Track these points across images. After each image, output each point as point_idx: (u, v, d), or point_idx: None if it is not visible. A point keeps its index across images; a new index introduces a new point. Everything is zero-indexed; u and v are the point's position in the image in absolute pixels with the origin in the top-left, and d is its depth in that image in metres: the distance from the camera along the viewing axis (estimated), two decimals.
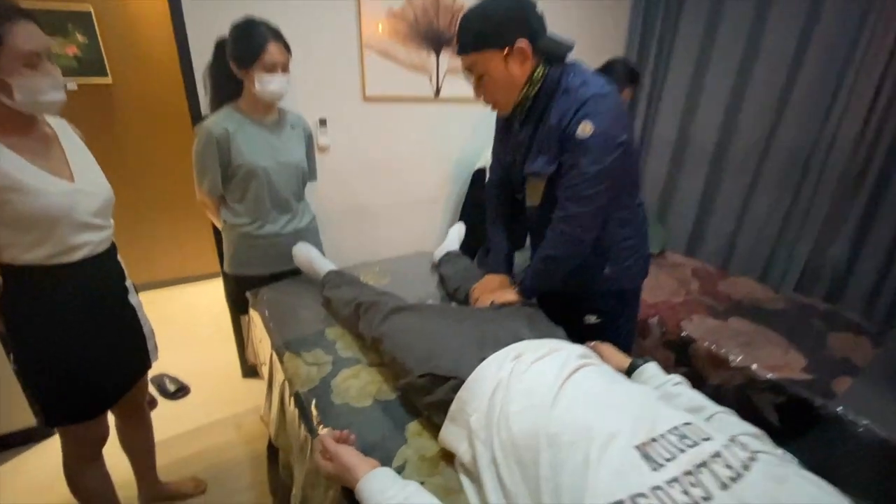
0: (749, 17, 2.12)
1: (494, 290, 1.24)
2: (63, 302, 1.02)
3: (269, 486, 1.42)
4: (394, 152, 2.24)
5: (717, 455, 0.62)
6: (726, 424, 0.83)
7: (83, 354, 1.07)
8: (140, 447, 1.46)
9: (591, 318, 1.22)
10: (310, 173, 1.69)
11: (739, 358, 1.41)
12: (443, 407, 0.88)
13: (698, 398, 0.91)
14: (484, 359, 0.88)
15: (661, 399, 0.77)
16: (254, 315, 1.51)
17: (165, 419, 1.86)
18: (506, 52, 1.02)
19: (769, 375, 1.34)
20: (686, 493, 0.57)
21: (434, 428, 0.92)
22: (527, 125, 1.13)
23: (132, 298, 1.22)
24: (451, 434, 0.84)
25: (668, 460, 0.62)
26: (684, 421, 0.68)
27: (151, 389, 2.04)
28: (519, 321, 1.03)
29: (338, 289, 1.39)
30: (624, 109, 1.09)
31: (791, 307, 1.75)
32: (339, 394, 1.04)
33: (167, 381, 2.06)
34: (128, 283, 1.22)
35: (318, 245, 1.73)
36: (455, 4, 2.09)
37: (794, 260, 2.12)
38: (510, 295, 1.19)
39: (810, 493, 0.59)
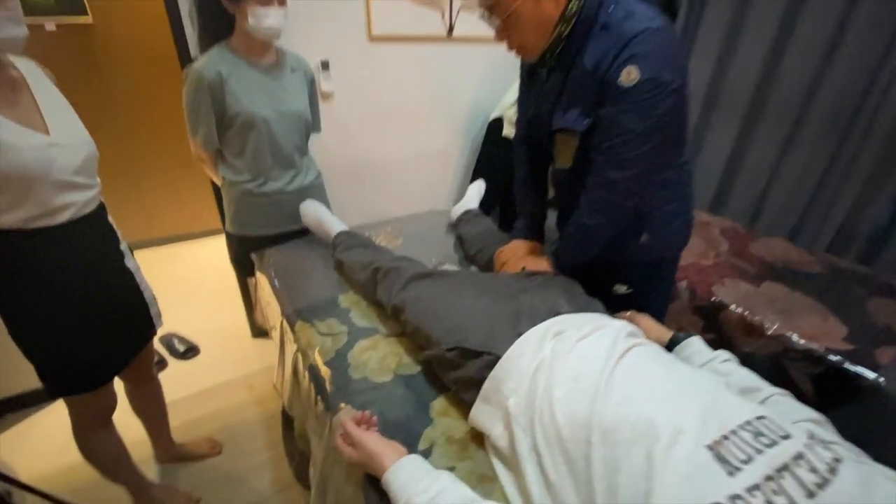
0: None
1: (525, 257, 1.13)
2: (50, 269, 0.93)
3: (284, 449, 1.40)
4: (403, 99, 2.06)
5: (799, 456, 0.54)
6: (786, 409, 0.76)
7: (78, 324, 0.99)
8: (151, 412, 1.44)
9: (622, 289, 1.12)
10: (313, 124, 1.55)
11: (776, 326, 1.34)
12: (473, 384, 0.81)
13: (751, 378, 0.83)
14: (521, 334, 0.79)
15: (727, 386, 0.69)
16: (261, 278, 1.43)
17: (175, 380, 1.84)
18: None
19: (808, 345, 1.27)
20: (769, 502, 0.50)
21: (462, 405, 0.86)
22: (557, 71, 0.95)
23: (129, 263, 1.13)
24: (483, 414, 0.78)
25: (744, 462, 0.54)
26: (757, 414, 0.60)
27: (161, 349, 2.01)
28: (555, 291, 0.94)
29: (350, 251, 1.29)
30: (677, 47, 0.92)
31: (827, 270, 1.65)
32: (357, 367, 0.97)
33: (176, 341, 2.02)
34: (122, 246, 1.12)
35: (324, 203, 1.62)
36: None
37: (828, 220, 1.99)
38: (542, 263, 1.09)
39: None
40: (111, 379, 1.11)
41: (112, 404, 1.17)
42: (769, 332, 1.34)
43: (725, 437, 0.57)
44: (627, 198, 0.96)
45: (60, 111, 0.94)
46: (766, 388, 0.80)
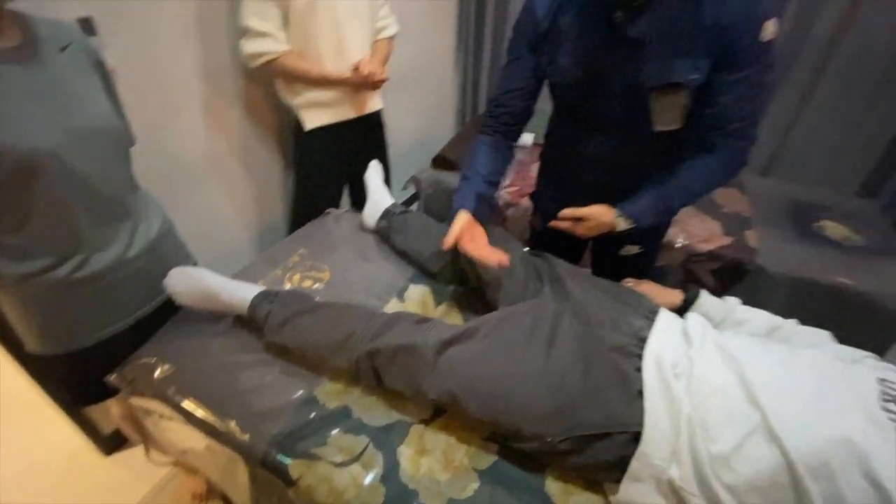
0: None
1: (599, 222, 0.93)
2: None
3: None
4: (213, 58, 1.39)
5: None
6: (815, 339, 0.87)
7: None
8: None
9: (633, 249, 1.08)
10: (128, 134, 0.94)
11: (681, 238, 1.56)
12: (611, 466, 0.68)
13: (769, 318, 0.93)
14: (640, 392, 0.69)
15: (836, 358, 0.73)
16: (141, 405, 0.90)
17: None
18: None
19: (705, 247, 1.53)
20: None
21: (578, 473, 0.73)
22: (646, 16, 0.77)
23: None
24: (637, 493, 0.68)
25: None
26: (872, 380, 0.65)
27: None
28: (610, 305, 0.84)
29: (294, 326, 0.89)
30: None
31: None
32: (430, 490, 0.71)
33: None
34: None
35: (183, 255, 1.07)
36: None
37: None
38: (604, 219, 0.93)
39: None
40: None
41: None
42: (678, 245, 1.56)
43: (891, 420, 0.60)
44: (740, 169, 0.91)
45: None
46: (784, 324, 0.90)
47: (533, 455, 0.74)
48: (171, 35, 1.22)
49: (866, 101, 1.87)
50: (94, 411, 1.24)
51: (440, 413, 0.82)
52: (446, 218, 0.95)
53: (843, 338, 0.87)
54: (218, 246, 1.54)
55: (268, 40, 1.20)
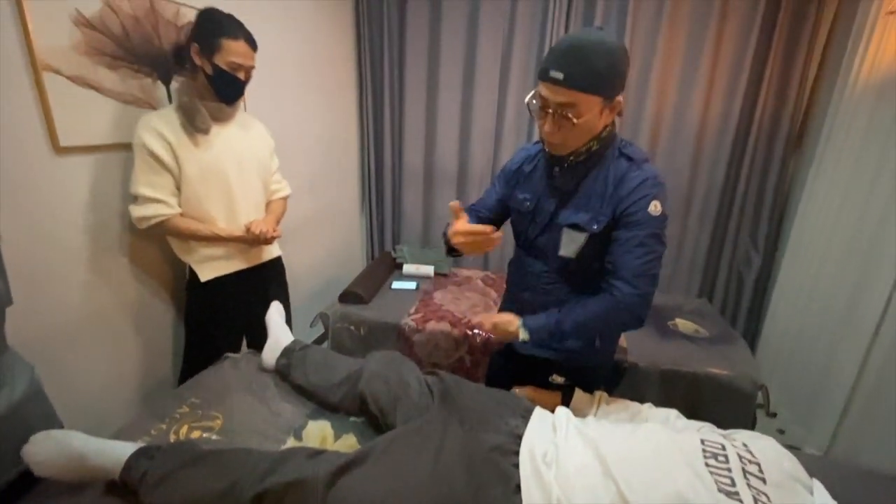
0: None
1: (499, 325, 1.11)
2: None
3: None
4: (110, 229, 1.43)
5: (740, 458, 0.76)
6: (662, 414, 1.03)
7: None
8: None
9: (559, 379, 1.19)
10: (4, 293, 0.93)
11: None
12: None
13: (629, 405, 1.09)
14: (518, 486, 0.76)
15: (670, 429, 0.86)
16: None
17: None
18: (605, 103, 0.96)
19: None
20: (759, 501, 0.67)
21: None
22: (570, 174, 1.07)
23: None
24: None
25: (732, 487, 0.70)
26: (696, 441, 0.79)
27: None
28: (492, 408, 0.93)
29: (173, 480, 0.84)
30: None
31: None
32: None
33: None
34: None
35: (49, 420, 0.98)
36: (179, 18, 1.56)
37: None
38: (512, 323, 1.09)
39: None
40: None
41: None
42: None
43: (712, 474, 0.72)
44: (647, 313, 1.03)
45: None
46: (641, 408, 1.07)
47: None
48: (63, 193, 1.28)
49: (681, 224, 2.44)
50: None
51: None
52: (355, 353, 1.03)
53: (715, 419, 1.01)
54: (97, 409, 1.41)
55: (158, 205, 1.29)
